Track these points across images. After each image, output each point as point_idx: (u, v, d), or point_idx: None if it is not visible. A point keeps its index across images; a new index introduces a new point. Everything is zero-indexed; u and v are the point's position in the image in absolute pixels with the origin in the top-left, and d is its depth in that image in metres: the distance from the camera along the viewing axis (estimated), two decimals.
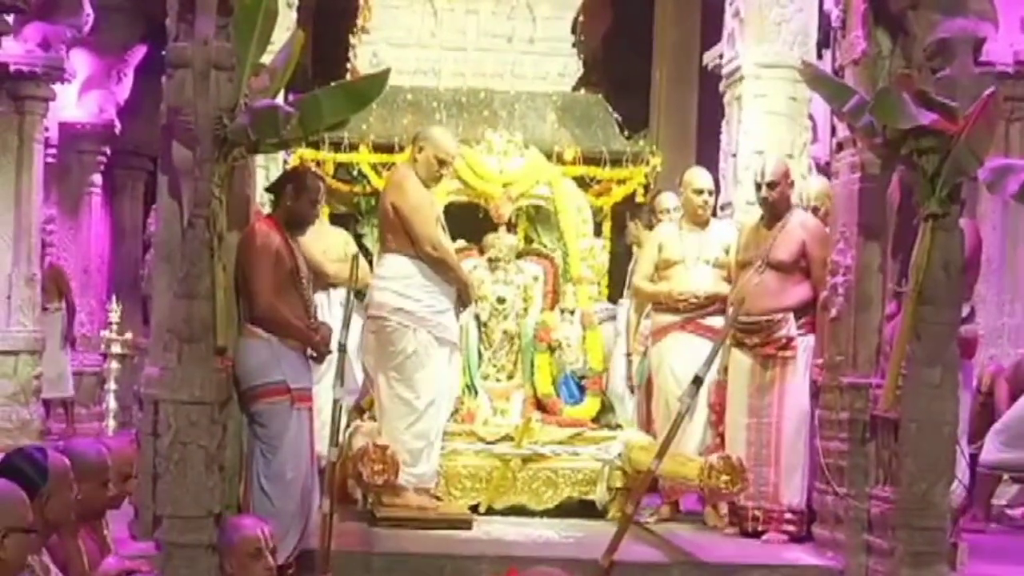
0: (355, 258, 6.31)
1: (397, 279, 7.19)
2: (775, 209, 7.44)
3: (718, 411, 7.68)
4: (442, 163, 7.32)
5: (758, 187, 7.51)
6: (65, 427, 11.80)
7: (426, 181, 7.29)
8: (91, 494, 4.56)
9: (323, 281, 7.78)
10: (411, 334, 7.17)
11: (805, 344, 7.24)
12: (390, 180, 7.49)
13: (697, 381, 6.23)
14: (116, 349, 9.37)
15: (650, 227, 8.84)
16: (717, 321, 7.79)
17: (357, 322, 6.97)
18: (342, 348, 5.97)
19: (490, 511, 7.72)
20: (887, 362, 6.29)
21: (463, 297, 7.33)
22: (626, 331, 8.50)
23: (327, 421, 7.47)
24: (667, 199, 8.46)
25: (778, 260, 7.31)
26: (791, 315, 7.28)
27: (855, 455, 6.56)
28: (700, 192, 7.92)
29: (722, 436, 7.65)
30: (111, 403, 9.38)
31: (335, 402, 5.91)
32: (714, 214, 8.23)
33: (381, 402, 7.32)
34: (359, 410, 7.93)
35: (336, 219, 8.49)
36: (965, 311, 6.89)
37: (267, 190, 6.65)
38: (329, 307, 7.76)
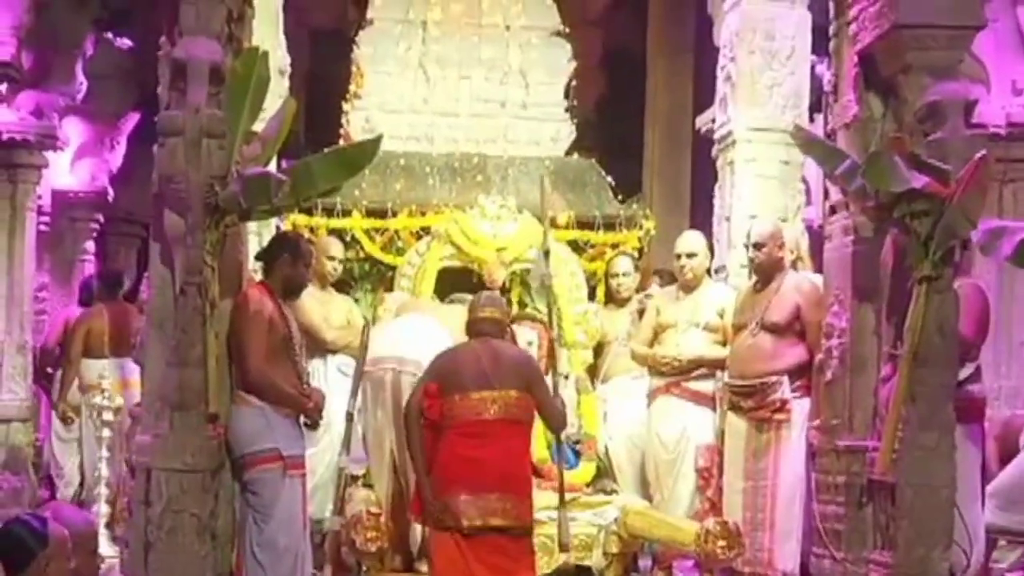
0: (366, 326, 6.25)
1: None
2: (764, 271, 7.44)
3: (706, 476, 7.65)
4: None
5: (747, 248, 7.55)
6: (50, 495, 11.69)
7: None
8: (82, 562, 4.49)
9: (321, 347, 7.74)
10: None
11: (800, 407, 7.21)
12: None
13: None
14: (107, 416, 9.30)
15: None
16: (704, 384, 7.79)
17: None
18: (349, 417, 5.91)
19: None
20: (883, 425, 6.26)
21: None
22: None
23: (320, 485, 7.47)
24: (619, 263, 8.47)
25: (772, 323, 7.30)
26: (785, 378, 7.25)
27: (852, 519, 6.52)
28: (679, 257, 7.96)
29: (711, 501, 7.62)
30: (104, 470, 9.30)
31: (340, 470, 5.83)
32: (710, 276, 8.23)
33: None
34: (352, 477, 7.86)
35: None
36: (969, 371, 6.87)
37: (257, 257, 6.62)
38: (326, 373, 7.70)
